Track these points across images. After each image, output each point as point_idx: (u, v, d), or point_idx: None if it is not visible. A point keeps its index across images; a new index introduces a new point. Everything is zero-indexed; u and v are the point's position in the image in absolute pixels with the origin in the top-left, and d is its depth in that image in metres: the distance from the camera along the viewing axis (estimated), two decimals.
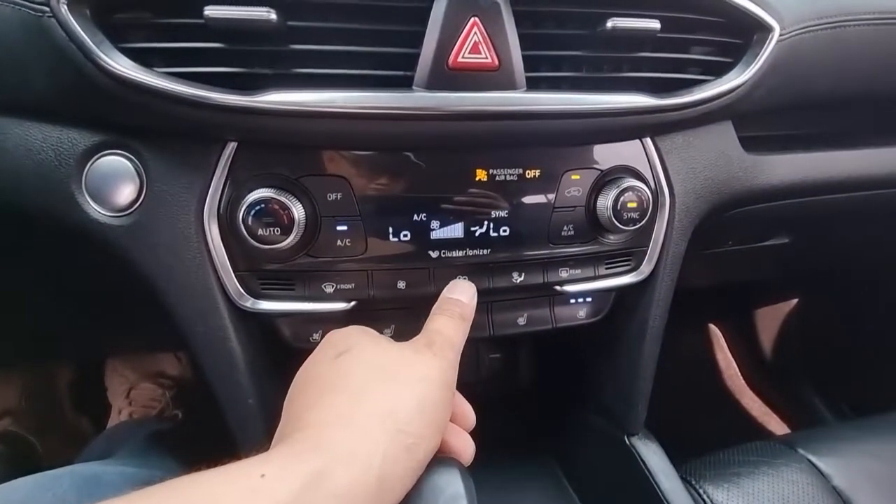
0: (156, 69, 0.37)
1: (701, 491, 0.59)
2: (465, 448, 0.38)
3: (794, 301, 1.27)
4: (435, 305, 0.42)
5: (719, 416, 1.30)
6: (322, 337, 0.50)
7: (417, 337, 0.39)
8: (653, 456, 0.55)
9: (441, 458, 0.35)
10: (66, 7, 0.34)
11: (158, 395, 1.07)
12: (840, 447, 0.67)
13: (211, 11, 0.34)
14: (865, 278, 1.09)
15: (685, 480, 0.60)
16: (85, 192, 0.42)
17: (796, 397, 1.23)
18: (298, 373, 0.37)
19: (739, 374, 1.36)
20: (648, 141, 0.49)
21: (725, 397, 1.32)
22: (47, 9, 0.34)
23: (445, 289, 0.43)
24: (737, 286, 1.23)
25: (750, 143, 0.57)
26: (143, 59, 0.36)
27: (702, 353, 1.39)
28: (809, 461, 0.64)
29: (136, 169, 0.42)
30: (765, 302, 1.32)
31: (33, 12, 0.35)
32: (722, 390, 1.34)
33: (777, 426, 1.24)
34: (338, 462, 0.28)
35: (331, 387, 0.33)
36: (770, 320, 1.31)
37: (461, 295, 0.42)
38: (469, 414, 0.41)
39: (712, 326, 1.41)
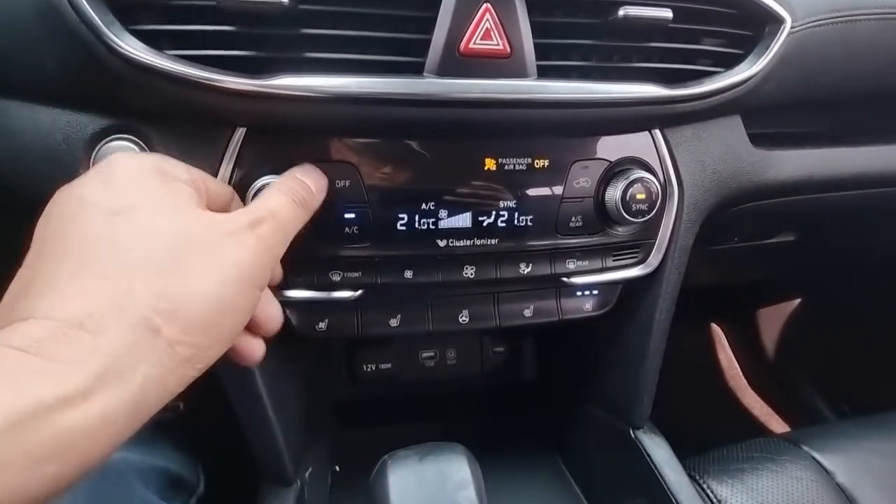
0: (166, 52, 0.36)
1: (705, 486, 0.59)
2: (252, 352, 0.32)
3: (797, 301, 1.27)
4: (277, 181, 0.36)
5: (721, 414, 1.30)
6: (328, 326, 0.50)
7: (240, 211, 0.31)
8: (658, 450, 0.55)
9: (448, 445, 0.35)
10: None
11: None
12: (844, 444, 0.67)
13: None
14: (868, 278, 1.09)
15: (689, 476, 0.59)
16: None
17: (798, 397, 1.23)
18: (59, 195, 0.28)
19: (741, 373, 1.36)
20: (658, 133, 0.49)
21: (727, 396, 1.32)
22: None
23: (293, 168, 0.37)
24: (740, 286, 1.23)
25: (759, 140, 0.56)
26: (154, 41, 0.36)
27: (704, 352, 1.39)
28: (813, 458, 0.63)
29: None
30: (767, 302, 1.32)
31: None
32: (724, 389, 1.34)
33: (778, 425, 1.24)
34: (79, 389, 0.21)
35: (100, 260, 0.25)
36: (772, 320, 1.31)
37: (307, 178, 0.36)
38: (274, 316, 0.34)
39: (715, 326, 1.41)
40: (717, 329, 1.41)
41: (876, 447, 0.67)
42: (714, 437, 0.70)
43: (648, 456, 0.55)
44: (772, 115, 0.59)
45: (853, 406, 1.15)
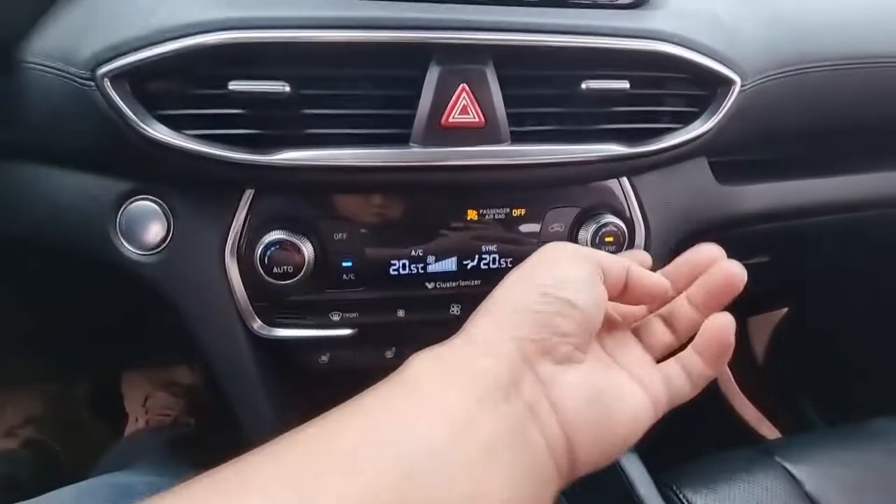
0: (185, 132, 0.42)
1: (681, 495, 0.63)
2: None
3: (787, 308, 1.30)
4: None
5: (714, 421, 1.34)
6: (329, 359, 0.55)
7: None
8: (631, 465, 0.60)
9: None
10: (108, 82, 0.39)
11: (172, 404, 1.12)
12: (815, 455, 0.71)
13: (235, 86, 0.40)
14: (848, 290, 1.13)
15: (667, 486, 0.64)
16: (119, 232, 0.47)
17: (788, 403, 1.27)
18: None
19: (734, 380, 1.39)
20: (625, 180, 0.54)
21: (721, 403, 1.36)
22: (92, 83, 0.40)
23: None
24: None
25: (723, 169, 0.60)
26: (175, 123, 0.41)
27: None
28: (784, 468, 0.68)
29: (164, 212, 0.47)
30: (757, 310, 1.35)
31: (80, 84, 0.40)
32: (718, 396, 1.37)
33: (769, 431, 1.27)
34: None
35: None
36: (763, 327, 1.35)
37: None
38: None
39: None
40: None
41: (845, 457, 0.71)
42: (707, 442, 0.74)
43: (622, 471, 0.60)
44: (738, 150, 0.64)
45: (843, 412, 1.18)
